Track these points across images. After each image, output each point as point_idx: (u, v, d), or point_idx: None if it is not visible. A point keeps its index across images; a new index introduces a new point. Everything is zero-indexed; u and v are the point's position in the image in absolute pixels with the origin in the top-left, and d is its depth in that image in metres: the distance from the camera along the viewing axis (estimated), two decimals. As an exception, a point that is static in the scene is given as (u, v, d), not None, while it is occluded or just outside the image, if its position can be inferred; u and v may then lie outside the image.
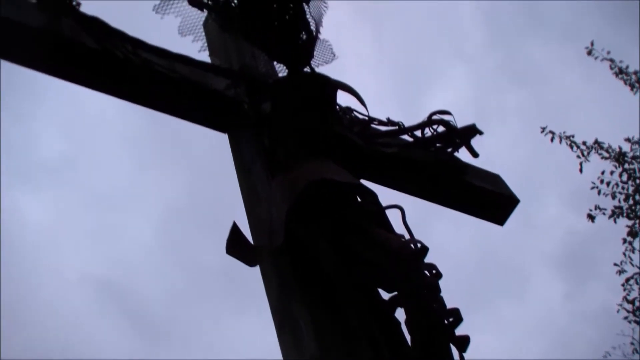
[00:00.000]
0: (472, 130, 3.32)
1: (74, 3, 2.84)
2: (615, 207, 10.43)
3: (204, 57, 3.23)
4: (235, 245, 2.44)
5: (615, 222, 10.43)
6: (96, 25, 2.87)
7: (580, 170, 10.60)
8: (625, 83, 11.08)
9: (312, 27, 3.00)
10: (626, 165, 10.57)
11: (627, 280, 10.23)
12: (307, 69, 2.97)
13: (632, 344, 10.46)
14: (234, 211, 2.90)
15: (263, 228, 2.54)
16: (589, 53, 11.13)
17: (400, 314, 2.34)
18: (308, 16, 3.00)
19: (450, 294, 2.30)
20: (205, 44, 3.26)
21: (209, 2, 3.08)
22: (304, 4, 2.98)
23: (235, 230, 2.46)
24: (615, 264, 10.28)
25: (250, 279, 2.65)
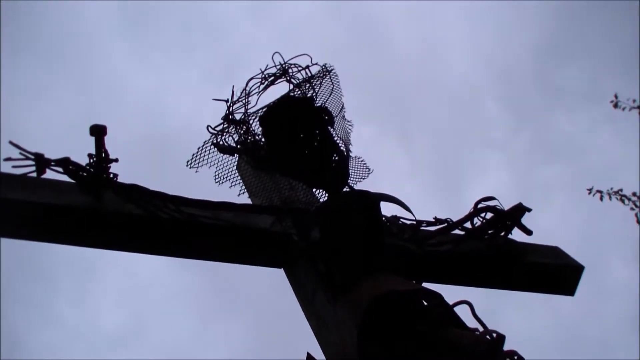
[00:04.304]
0: (520, 210, 3.30)
1: (111, 176, 2.89)
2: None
3: (245, 198, 3.29)
4: (315, 376, 2.43)
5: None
6: (136, 191, 2.91)
7: (638, 222, 10.39)
8: (659, 127, 10.97)
9: (342, 148, 3.05)
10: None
11: None
12: (346, 188, 3.00)
13: None
14: (304, 341, 2.88)
15: (337, 354, 2.52)
16: (615, 106, 11.04)
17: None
18: (336, 138, 3.06)
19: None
20: (243, 186, 3.32)
21: (238, 146, 3.15)
22: (329, 127, 3.04)
23: (311, 361, 2.45)
24: None
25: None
